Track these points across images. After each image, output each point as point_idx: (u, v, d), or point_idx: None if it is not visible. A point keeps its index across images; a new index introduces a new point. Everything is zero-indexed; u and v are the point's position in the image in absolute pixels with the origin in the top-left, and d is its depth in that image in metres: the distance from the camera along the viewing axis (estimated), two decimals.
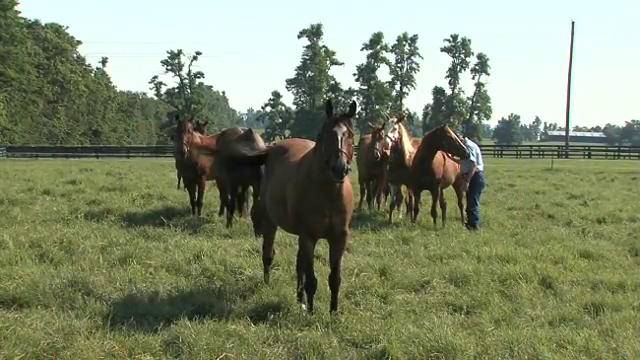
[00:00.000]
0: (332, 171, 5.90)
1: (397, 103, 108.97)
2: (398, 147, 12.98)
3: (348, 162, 6.00)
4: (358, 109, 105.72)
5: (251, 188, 13.00)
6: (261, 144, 11.92)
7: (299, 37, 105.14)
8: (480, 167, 12.77)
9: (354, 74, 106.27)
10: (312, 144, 7.30)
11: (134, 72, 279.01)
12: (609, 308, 6.91)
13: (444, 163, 12.95)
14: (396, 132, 12.89)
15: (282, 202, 6.80)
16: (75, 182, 21.15)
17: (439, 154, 12.81)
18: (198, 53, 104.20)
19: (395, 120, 13.17)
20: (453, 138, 12.29)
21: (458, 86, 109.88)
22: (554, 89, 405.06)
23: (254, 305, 6.94)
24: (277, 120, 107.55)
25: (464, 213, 13.38)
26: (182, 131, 13.16)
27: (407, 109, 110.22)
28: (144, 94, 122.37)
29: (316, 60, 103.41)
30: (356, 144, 19.24)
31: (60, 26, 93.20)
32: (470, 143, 12.78)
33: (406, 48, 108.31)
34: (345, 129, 6.08)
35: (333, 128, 6.08)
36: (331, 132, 6.06)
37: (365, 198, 15.87)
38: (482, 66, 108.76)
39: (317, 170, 6.25)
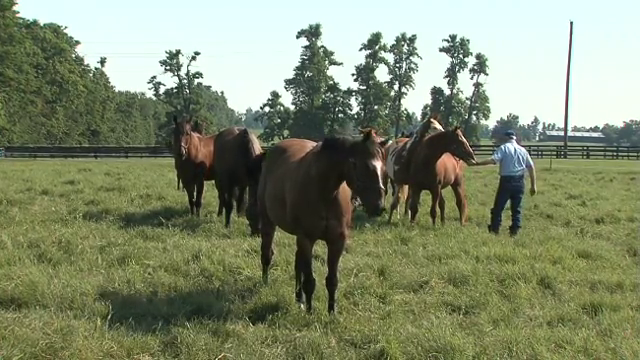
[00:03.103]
0: (370, 208, 5.78)
1: (396, 103, 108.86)
2: (417, 148, 12.91)
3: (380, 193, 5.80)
4: (356, 109, 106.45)
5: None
6: (256, 145, 11.94)
7: (298, 37, 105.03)
8: (517, 170, 12.24)
9: (353, 74, 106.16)
10: (310, 144, 7.33)
11: (133, 72, 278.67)
12: (607, 308, 6.92)
13: (444, 163, 12.94)
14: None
15: (281, 201, 6.81)
16: (74, 182, 21.14)
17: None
18: (197, 53, 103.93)
19: (436, 122, 13.07)
20: (464, 143, 12.27)
21: (457, 86, 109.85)
22: (552, 89, 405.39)
23: (253, 305, 6.94)
24: (276, 120, 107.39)
25: (463, 213, 13.43)
26: (180, 133, 13.15)
27: (405, 109, 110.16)
28: (143, 94, 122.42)
29: (315, 60, 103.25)
30: None
31: (59, 26, 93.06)
32: (514, 147, 12.31)
33: (405, 48, 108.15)
34: (381, 161, 5.86)
35: (373, 161, 5.78)
36: (370, 166, 5.77)
37: None
38: (481, 66, 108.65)
39: (318, 175, 6.24)
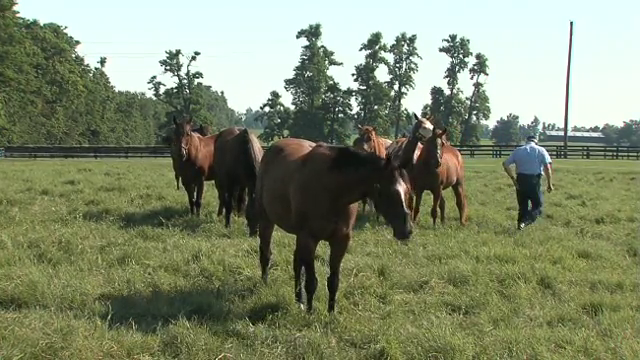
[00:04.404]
0: (399, 235, 5.82)
1: (396, 103, 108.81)
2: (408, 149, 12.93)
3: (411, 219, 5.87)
4: (356, 109, 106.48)
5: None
6: (256, 145, 11.94)
7: (298, 37, 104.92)
8: (529, 170, 12.45)
9: (353, 74, 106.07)
10: (307, 143, 7.35)
11: (133, 72, 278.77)
12: (607, 308, 6.93)
13: (447, 164, 12.99)
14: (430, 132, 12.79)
15: (282, 201, 6.80)
16: (74, 182, 21.13)
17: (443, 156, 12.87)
18: (197, 53, 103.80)
19: (427, 122, 13.05)
20: (433, 146, 12.21)
21: (457, 86, 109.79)
22: (553, 89, 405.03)
23: (253, 305, 6.94)
24: (276, 120, 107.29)
25: (462, 213, 13.49)
26: (181, 134, 13.11)
27: (405, 109, 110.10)
28: (143, 94, 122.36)
29: (315, 60, 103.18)
30: (351, 144, 19.18)
31: (58, 26, 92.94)
32: (529, 147, 12.67)
33: (405, 48, 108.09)
34: (405, 185, 5.89)
35: (396, 187, 5.80)
36: (394, 192, 5.79)
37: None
38: (481, 66, 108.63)
39: (336, 186, 6.20)
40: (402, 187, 5.80)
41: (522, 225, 12.22)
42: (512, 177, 13.10)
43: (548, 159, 12.67)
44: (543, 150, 12.79)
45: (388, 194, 5.81)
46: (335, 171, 6.21)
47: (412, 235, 5.86)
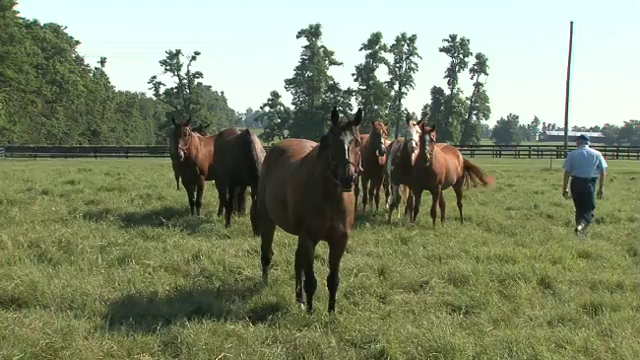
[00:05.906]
0: (340, 181, 5.91)
1: (396, 103, 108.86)
2: (406, 148, 12.97)
3: (355, 171, 5.99)
4: (356, 109, 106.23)
5: (249, 188, 13.00)
6: (258, 145, 11.94)
7: (298, 37, 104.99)
8: (583, 173, 12.44)
9: (353, 74, 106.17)
10: (309, 144, 7.37)
11: (133, 72, 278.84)
12: (608, 308, 6.93)
13: (446, 164, 13.01)
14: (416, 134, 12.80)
15: (282, 202, 6.82)
16: (74, 182, 21.15)
17: (441, 155, 12.91)
18: (197, 53, 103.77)
19: (411, 125, 13.08)
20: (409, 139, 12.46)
21: (457, 86, 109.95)
22: (553, 89, 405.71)
23: (253, 305, 6.94)
24: (276, 120, 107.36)
25: (462, 213, 13.55)
26: (178, 135, 13.08)
27: (406, 109, 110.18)
28: (143, 94, 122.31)
29: (315, 60, 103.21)
30: None
31: (59, 26, 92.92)
32: (584, 151, 12.74)
33: (405, 48, 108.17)
34: (351, 137, 6.06)
35: (340, 137, 6.04)
36: (338, 141, 6.03)
37: (361, 199, 15.81)
38: (481, 66, 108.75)
39: (320, 175, 6.25)
40: (346, 138, 6.04)
41: (579, 227, 12.09)
42: (566, 185, 12.97)
43: (605, 164, 12.73)
44: (600, 155, 12.82)
45: (334, 144, 6.05)
46: (319, 159, 6.31)
47: (353, 182, 5.98)
